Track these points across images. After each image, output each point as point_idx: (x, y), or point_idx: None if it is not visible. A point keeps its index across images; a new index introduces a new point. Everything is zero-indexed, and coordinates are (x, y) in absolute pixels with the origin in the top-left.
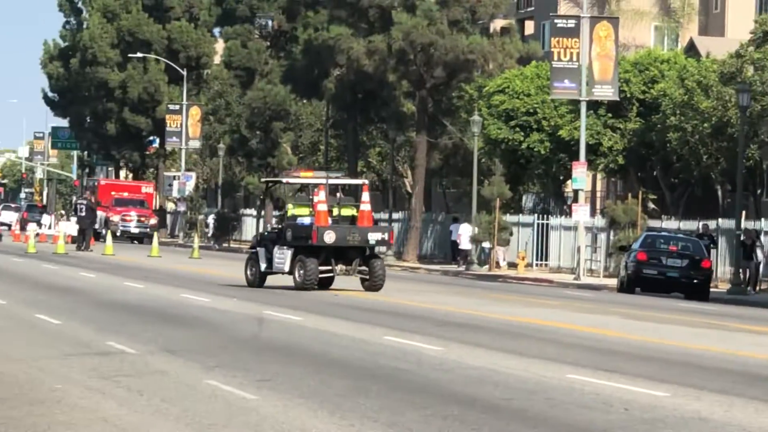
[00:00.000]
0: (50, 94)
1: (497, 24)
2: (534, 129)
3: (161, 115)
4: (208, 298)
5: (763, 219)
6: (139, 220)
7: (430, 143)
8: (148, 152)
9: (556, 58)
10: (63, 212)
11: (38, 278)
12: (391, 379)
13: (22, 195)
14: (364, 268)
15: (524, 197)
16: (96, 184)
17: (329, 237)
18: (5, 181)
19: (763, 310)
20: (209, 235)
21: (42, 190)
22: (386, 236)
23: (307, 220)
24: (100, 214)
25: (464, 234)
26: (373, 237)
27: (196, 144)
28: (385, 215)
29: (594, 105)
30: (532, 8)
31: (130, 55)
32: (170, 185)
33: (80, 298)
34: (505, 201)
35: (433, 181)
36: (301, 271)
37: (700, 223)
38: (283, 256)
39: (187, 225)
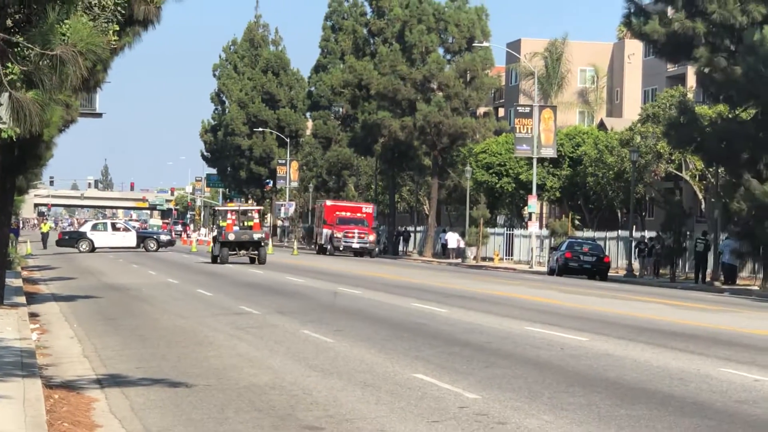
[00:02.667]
0: (205, 153)
1: (481, 110)
2: (504, 175)
3: (274, 166)
4: (302, 279)
5: (646, 231)
6: (359, 237)
7: (440, 184)
8: (265, 189)
9: (518, 131)
10: (213, 226)
11: (197, 267)
12: (417, 330)
13: (188, 216)
14: (255, 252)
15: (498, 217)
16: (323, 205)
17: (231, 236)
18: (178, 206)
19: (645, 287)
20: (303, 240)
21: (201, 213)
22: (263, 235)
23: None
24: (326, 231)
25: (450, 239)
26: (257, 235)
27: (295, 184)
28: (411, 228)
29: (541, 160)
30: (503, 100)
31: (254, 129)
32: (279, 210)
33: (224, 279)
34: (486, 219)
35: (442, 207)
36: (220, 254)
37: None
38: (216, 247)
39: (290, 234)
